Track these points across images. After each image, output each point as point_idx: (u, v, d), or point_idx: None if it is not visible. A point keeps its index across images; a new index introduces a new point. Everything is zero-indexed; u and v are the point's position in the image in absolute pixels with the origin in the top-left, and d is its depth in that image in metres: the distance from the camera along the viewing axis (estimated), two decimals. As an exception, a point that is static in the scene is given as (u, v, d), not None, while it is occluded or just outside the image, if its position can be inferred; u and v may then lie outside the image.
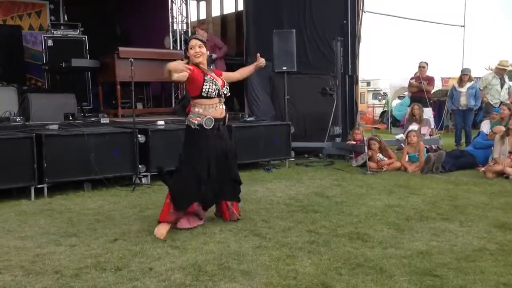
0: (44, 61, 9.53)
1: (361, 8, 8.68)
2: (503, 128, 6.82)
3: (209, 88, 3.87)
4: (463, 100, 9.10)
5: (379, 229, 3.94)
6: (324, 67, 8.44)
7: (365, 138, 7.22)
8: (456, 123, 9.89)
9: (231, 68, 7.16)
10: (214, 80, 3.95)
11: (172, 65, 3.75)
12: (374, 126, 16.72)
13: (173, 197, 3.85)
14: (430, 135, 8.65)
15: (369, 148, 7.08)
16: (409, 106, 9.45)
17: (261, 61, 4.32)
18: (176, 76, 3.78)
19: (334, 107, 8.11)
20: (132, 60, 5.92)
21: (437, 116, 11.38)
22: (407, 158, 7.14)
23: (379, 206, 4.75)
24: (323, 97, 8.17)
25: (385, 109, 18.45)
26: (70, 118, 6.83)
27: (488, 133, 7.49)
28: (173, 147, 5.15)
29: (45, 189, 5.28)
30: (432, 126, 9.11)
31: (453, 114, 10.17)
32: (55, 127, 5.96)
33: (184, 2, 11.24)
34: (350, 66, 8.19)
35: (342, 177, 6.47)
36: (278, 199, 5.14)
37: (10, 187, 5.18)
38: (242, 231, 3.88)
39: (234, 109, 8.97)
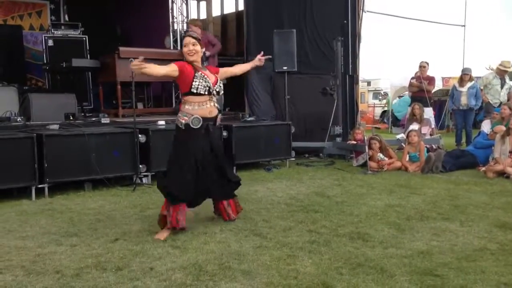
0: (45, 61, 9.52)
1: (361, 7, 8.67)
2: (504, 128, 6.82)
3: (198, 85, 3.79)
4: (463, 100, 9.09)
5: (379, 229, 3.94)
6: (324, 67, 8.44)
7: (365, 138, 7.21)
8: (457, 123, 9.88)
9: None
10: (205, 77, 3.87)
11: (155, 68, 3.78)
12: (375, 125, 16.72)
13: (166, 195, 3.84)
14: (430, 134, 8.65)
15: (370, 147, 7.08)
16: (409, 105, 9.45)
17: (259, 61, 4.41)
18: (165, 71, 3.79)
19: (334, 107, 8.11)
20: (133, 60, 5.90)
21: (438, 116, 11.38)
22: (407, 158, 7.14)
23: (380, 206, 4.75)
24: (323, 97, 8.18)
25: (386, 108, 18.45)
26: (71, 118, 6.84)
27: (488, 133, 7.49)
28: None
29: (46, 189, 5.28)
30: (433, 126, 9.10)
31: (454, 114, 10.16)
32: (56, 127, 5.97)
33: (185, 2, 11.26)
34: (350, 66, 8.19)
35: (343, 177, 6.47)
36: (279, 199, 5.14)
37: (11, 187, 5.19)
38: (242, 231, 3.88)
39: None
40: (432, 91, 10.03)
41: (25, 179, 5.18)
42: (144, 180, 6.01)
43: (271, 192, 5.52)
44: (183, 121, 3.84)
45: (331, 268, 3.05)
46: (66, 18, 11.10)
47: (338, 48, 8.02)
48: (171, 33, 10.80)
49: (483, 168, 6.64)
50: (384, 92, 20.24)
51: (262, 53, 4.48)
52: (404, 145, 7.62)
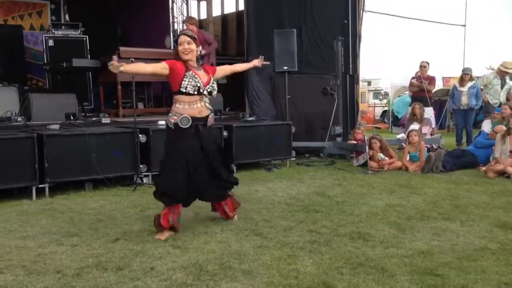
0: (45, 61, 9.53)
1: (361, 7, 8.67)
2: (504, 128, 6.82)
3: (187, 84, 3.74)
4: (464, 100, 9.09)
5: (380, 228, 3.94)
6: (325, 67, 8.44)
7: (366, 138, 7.22)
8: (457, 122, 9.87)
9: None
10: (196, 76, 3.79)
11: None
12: (375, 125, 16.71)
13: (160, 196, 3.82)
14: (431, 134, 8.65)
15: (370, 147, 7.08)
16: (410, 105, 9.45)
17: (259, 62, 4.44)
18: (152, 68, 3.80)
19: (335, 106, 8.11)
20: (133, 60, 5.86)
21: (438, 116, 11.37)
22: (408, 158, 7.14)
23: (380, 205, 4.75)
24: (324, 96, 8.17)
25: (386, 108, 18.44)
26: (71, 118, 6.84)
27: (489, 133, 7.49)
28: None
29: (47, 189, 5.28)
30: (433, 126, 9.11)
31: (454, 114, 10.15)
32: (56, 127, 5.97)
33: (185, 2, 11.27)
34: (351, 65, 8.18)
35: (343, 176, 6.47)
36: (279, 198, 5.14)
37: (11, 187, 5.19)
38: (243, 231, 3.88)
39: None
40: (433, 91, 10.03)
41: (25, 179, 5.18)
42: (145, 180, 6.01)
43: (272, 192, 5.52)
44: (173, 121, 3.81)
45: (332, 268, 3.05)
46: (67, 18, 11.10)
47: (338, 48, 8.02)
48: (171, 33, 10.82)
49: (484, 168, 6.64)
50: (384, 92, 20.23)
51: (262, 57, 4.49)
52: (404, 145, 7.62)
